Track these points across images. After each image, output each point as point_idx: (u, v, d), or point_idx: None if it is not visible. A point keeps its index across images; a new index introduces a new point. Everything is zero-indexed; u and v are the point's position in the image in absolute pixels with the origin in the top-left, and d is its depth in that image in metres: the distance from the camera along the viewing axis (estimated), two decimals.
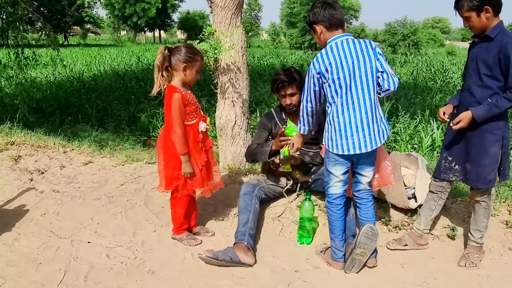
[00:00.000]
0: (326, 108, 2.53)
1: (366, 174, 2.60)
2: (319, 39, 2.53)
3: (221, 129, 4.18)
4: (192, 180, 2.79)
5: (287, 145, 2.97)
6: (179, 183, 2.78)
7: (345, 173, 2.56)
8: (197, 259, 2.71)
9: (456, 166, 2.72)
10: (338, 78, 2.37)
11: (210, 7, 3.96)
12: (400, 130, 5.86)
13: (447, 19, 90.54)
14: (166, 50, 2.64)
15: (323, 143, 2.57)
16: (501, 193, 3.76)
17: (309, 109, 2.53)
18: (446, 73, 12.61)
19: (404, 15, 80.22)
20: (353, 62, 2.38)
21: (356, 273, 2.63)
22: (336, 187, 2.59)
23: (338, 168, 2.54)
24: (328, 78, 2.39)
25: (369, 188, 2.65)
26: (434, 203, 2.91)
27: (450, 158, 2.74)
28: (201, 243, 2.96)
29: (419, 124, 6.49)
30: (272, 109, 3.44)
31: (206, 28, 3.90)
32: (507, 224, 3.30)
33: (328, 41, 2.45)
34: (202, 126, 2.79)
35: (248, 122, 4.29)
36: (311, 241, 3.02)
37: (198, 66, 2.71)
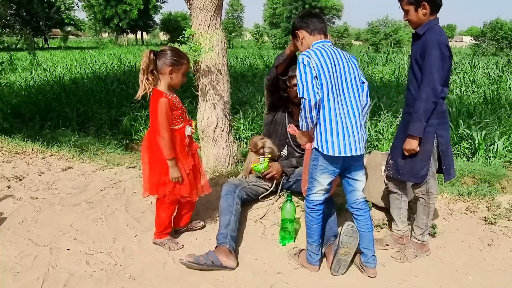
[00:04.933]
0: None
1: (360, 179, 2.58)
2: (301, 45, 2.61)
3: (202, 132, 4.15)
4: (180, 185, 2.77)
5: (264, 162, 3.21)
6: (167, 188, 2.76)
7: (330, 183, 2.56)
8: (179, 264, 2.68)
9: (390, 161, 2.83)
10: (332, 78, 2.38)
11: (189, 9, 3.94)
12: (382, 128, 5.91)
13: None
14: (152, 54, 2.63)
15: (315, 145, 2.48)
16: (479, 190, 3.82)
17: (310, 102, 2.38)
18: None
19: (386, 14, 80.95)
20: (344, 66, 2.44)
21: (343, 274, 2.64)
22: (318, 195, 2.58)
23: (325, 177, 2.52)
24: (324, 79, 2.37)
25: (365, 196, 2.63)
26: (399, 201, 2.97)
27: (390, 153, 2.86)
28: (182, 247, 2.94)
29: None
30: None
31: (186, 30, 3.87)
32: (485, 221, 3.36)
33: (312, 44, 2.51)
34: (188, 130, 2.79)
35: (230, 124, 4.27)
36: (294, 242, 3.02)
37: (184, 69, 2.71)
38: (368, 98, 2.58)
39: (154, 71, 2.64)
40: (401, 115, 2.86)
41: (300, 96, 2.38)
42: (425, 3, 2.53)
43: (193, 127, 2.85)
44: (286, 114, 3.46)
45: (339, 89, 2.41)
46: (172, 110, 2.66)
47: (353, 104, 2.45)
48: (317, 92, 2.35)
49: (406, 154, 2.64)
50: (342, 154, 2.41)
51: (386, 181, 3.00)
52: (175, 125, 2.70)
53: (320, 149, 2.44)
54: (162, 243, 2.93)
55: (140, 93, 2.66)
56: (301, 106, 2.41)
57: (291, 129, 2.84)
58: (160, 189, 2.77)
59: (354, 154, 2.42)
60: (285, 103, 3.47)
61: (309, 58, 2.37)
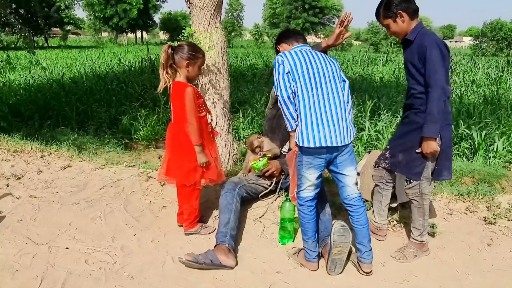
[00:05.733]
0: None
1: (349, 174, 2.56)
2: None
3: (211, 122, 4.14)
4: (208, 170, 2.90)
5: (263, 159, 3.22)
6: (196, 175, 2.88)
7: (318, 177, 2.56)
8: (178, 263, 2.68)
9: (387, 155, 2.85)
10: (308, 73, 2.45)
11: (189, 8, 3.93)
12: (382, 128, 5.91)
13: (428, 18, 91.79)
14: (170, 49, 2.77)
15: (295, 139, 2.51)
16: (479, 190, 3.82)
17: (283, 96, 2.46)
18: None
19: None
20: (320, 62, 2.51)
21: (340, 273, 2.63)
22: (308, 191, 2.59)
23: (311, 172, 2.52)
24: (297, 74, 2.44)
25: (358, 192, 2.62)
26: (380, 194, 3.01)
27: (388, 148, 2.88)
28: (214, 230, 3.01)
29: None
30: None
31: (185, 29, 3.87)
32: (485, 220, 3.35)
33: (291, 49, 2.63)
34: (209, 118, 2.96)
35: (229, 123, 4.26)
36: (293, 242, 3.02)
37: (200, 63, 2.86)
38: (350, 97, 2.59)
39: (173, 65, 2.79)
40: (401, 115, 2.86)
41: (276, 94, 2.49)
42: (401, 11, 2.59)
43: (212, 115, 3.06)
44: None
45: (316, 83, 2.45)
46: (197, 98, 2.81)
47: (331, 97, 2.46)
48: (289, 87, 2.44)
49: (429, 156, 2.62)
50: (318, 145, 2.41)
51: (372, 172, 3.02)
52: (199, 113, 2.85)
53: (298, 143, 2.47)
54: (197, 231, 3.07)
55: (161, 86, 2.81)
56: (279, 105, 2.50)
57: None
58: (190, 176, 2.89)
59: (333, 144, 2.42)
60: None
61: (283, 57, 2.49)
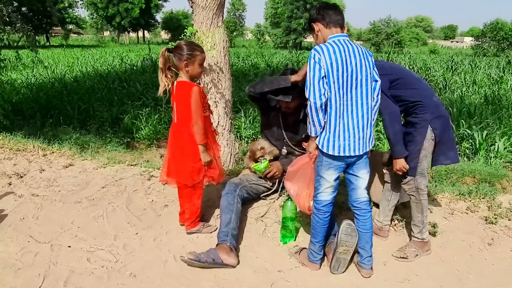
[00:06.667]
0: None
1: (362, 176, 2.55)
2: (317, 38, 2.52)
3: (213, 122, 4.15)
4: (211, 169, 2.92)
5: (264, 161, 3.20)
6: (200, 174, 2.89)
7: (336, 178, 2.53)
8: (180, 262, 2.69)
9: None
10: (342, 77, 2.32)
11: (191, 7, 3.94)
12: (383, 128, 5.91)
13: (430, 18, 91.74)
14: (167, 51, 2.77)
15: (317, 142, 2.46)
16: (480, 189, 3.82)
17: (315, 104, 2.31)
18: (429, 71, 12.75)
19: (388, 14, 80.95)
20: (356, 63, 2.35)
21: (343, 272, 2.64)
22: (326, 194, 2.55)
23: (331, 173, 2.49)
24: (332, 79, 2.31)
25: (368, 196, 2.61)
26: (389, 193, 3.05)
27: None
28: (216, 229, 3.02)
29: None
30: None
31: (188, 29, 3.88)
32: (486, 220, 3.36)
33: (328, 38, 2.43)
34: (211, 118, 2.99)
35: (231, 122, 4.27)
36: (295, 241, 3.03)
37: (199, 60, 2.80)
38: (379, 96, 2.54)
39: (171, 68, 2.79)
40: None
41: (307, 97, 2.33)
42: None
43: (213, 115, 3.06)
44: (280, 115, 3.31)
45: (347, 89, 2.34)
46: (203, 98, 2.81)
47: (360, 104, 2.39)
48: (323, 94, 2.30)
49: (399, 174, 2.77)
50: (341, 154, 2.40)
51: (384, 170, 3.06)
52: (204, 113, 2.84)
53: (322, 148, 2.43)
54: (199, 230, 3.08)
55: (161, 90, 2.80)
56: (307, 109, 2.36)
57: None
58: (194, 177, 2.89)
59: (356, 154, 2.42)
60: (275, 106, 3.35)
61: (320, 55, 2.30)
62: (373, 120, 2.53)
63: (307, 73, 2.36)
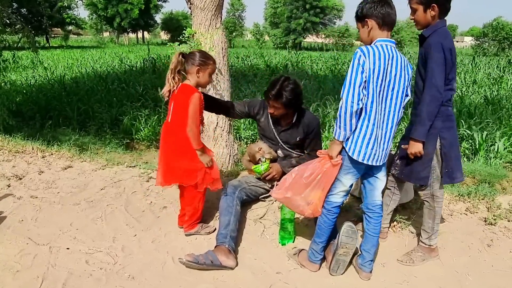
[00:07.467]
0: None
1: (380, 177, 2.55)
2: (366, 35, 2.39)
3: (203, 131, 4.15)
4: (210, 169, 2.92)
5: (265, 163, 3.18)
6: (199, 175, 2.87)
7: (352, 184, 2.54)
8: (178, 263, 2.68)
9: (398, 161, 2.80)
10: (380, 86, 2.27)
11: (190, 8, 3.94)
12: None
13: None
14: (180, 56, 2.81)
15: (344, 145, 2.38)
16: (480, 190, 3.81)
17: (352, 108, 2.22)
18: None
19: None
20: (395, 75, 2.29)
21: (341, 274, 2.63)
22: (338, 196, 2.55)
23: (349, 177, 2.48)
24: (372, 85, 2.24)
25: (382, 200, 2.61)
26: (389, 198, 2.99)
27: (397, 153, 2.82)
28: (214, 230, 3.03)
29: (402, 122, 6.54)
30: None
31: (186, 30, 3.88)
32: (485, 221, 3.35)
33: (376, 40, 2.33)
34: (202, 128, 3.04)
35: (230, 123, 4.27)
36: (293, 242, 3.02)
37: (210, 70, 2.88)
38: (404, 110, 2.49)
39: (181, 71, 2.83)
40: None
41: (343, 99, 2.24)
42: (435, 5, 2.44)
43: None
44: (269, 119, 3.25)
45: (383, 98, 2.31)
46: (201, 106, 2.86)
47: (391, 115, 2.37)
48: (361, 99, 2.22)
49: (411, 157, 2.59)
50: (366, 162, 2.38)
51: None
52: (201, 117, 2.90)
53: (348, 151, 2.37)
54: (197, 232, 3.08)
55: (165, 89, 2.84)
56: (338, 112, 2.29)
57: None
58: (192, 176, 2.88)
59: (379, 163, 2.43)
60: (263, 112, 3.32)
61: (366, 58, 2.21)
62: (396, 127, 2.48)
63: (347, 74, 2.24)
